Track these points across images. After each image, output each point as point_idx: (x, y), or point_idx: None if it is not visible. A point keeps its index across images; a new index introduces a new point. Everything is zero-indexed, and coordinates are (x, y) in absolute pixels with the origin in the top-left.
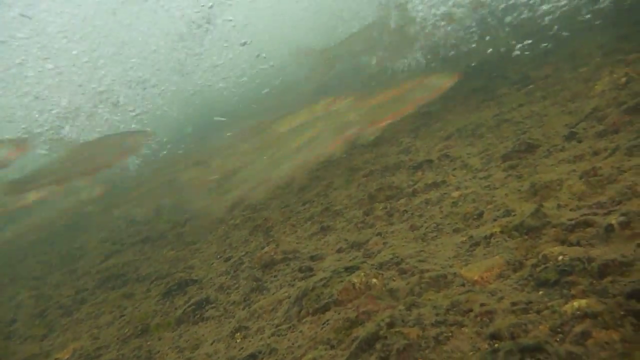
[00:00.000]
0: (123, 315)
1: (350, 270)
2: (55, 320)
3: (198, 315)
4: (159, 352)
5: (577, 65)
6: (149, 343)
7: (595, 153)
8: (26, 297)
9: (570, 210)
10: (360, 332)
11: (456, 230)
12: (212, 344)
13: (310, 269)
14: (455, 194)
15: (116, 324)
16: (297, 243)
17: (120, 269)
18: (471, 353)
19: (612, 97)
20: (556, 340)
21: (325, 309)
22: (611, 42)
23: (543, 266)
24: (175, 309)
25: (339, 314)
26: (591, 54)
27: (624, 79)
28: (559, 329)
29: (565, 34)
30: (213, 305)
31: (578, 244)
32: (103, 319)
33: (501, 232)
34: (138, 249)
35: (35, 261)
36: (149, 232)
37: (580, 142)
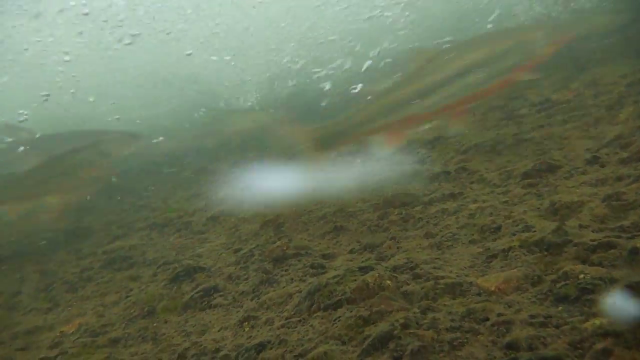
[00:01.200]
0: (129, 296)
1: (364, 270)
2: (60, 295)
3: (205, 302)
4: (164, 334)
5: (599, 92)
6: (154, 325)
7: (619, 179)
8: (31, 272)
9: (592, 231)
10: (373, 330)
11: (472, 242)
12: (219, 330)
13: (322, 267)
14: (473, 206)
15: (122, 304)
16: (308, 240)
17: (127, 251)
18: None
19: (637, 125)
20: (576, 356)
21: (337, 305)
22: (635, 72)
23: (563, 282)
24: (183, 294)
25: (351, 311)
26: (615, 82)
27: None
28: (578, 345)
29: (585, 61)
30: (221, 293)
31: (600, 264)
32: (108, 298)
33: (520, 246)
34: (145, 234)
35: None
36: (156, 218)
37: (602, 166)
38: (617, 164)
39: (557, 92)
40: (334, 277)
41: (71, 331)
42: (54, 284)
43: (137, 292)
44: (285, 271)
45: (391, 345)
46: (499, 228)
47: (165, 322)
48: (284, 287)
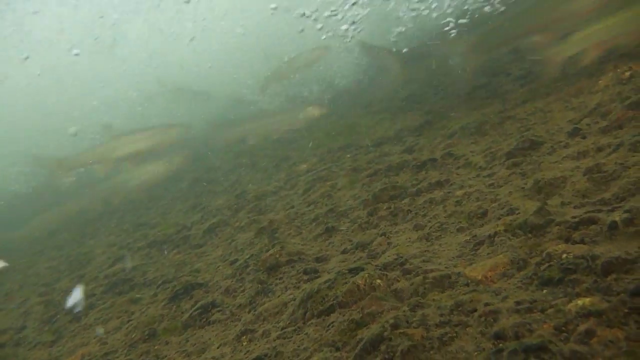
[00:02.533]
0: (130, 320)
1: (354, 271)
2: (64, 326)
3: (204, 319)
4: (166, 356)
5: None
6: (156, 347)
7: (599, 149)
8: (35, 304)
9: (574, 207)
10: (365, 333)
11: (460, 230)
12: (218, 347)
13: (316, 271)
14: (459, 192)
15: (124, 329)
16: (302, 245)
17: (127, 273)
18: (476, 353)
19: (616, 92)
20: (560, 340)
21: (330, 310)
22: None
23: (547, 264)
24: (182, 313)
25: (343, 315)
26: None
27: (627, 74)
28: (563, 328)
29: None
30: (219, 308)
31: (582, 241)
32: (111, 324)
33: (505, 230)
34: (145, 253)
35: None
36: (155, 235)
37: (584, 138)
38: (597, 134)
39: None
40: (326, 281)
41: None
42: (57, 314)
43: (138, 315)
44: (280, 279)
45: (382, 348)
46: (485, 213)
47: (166, 343)
48: (279, 296)
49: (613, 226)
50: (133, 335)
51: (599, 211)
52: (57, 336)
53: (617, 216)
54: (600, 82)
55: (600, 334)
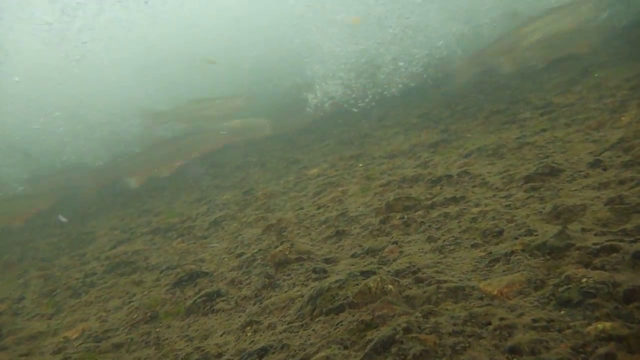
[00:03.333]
0: (132, 301)
1: (366, 274)
2: (64, 300)
3: (208, 307)
4: (167, 339)
5: (602, 96)
6: (157, 330)
7: (621, 182)
8: (34, 277)
9: (595, 235)
10: (375, 335)
11: (475, 246)
12: (221, 335)
13: (325, 271)
14: (475, 210)
15: (125, 309)
16: (311, 245)
17: (130, 256)
18: None
19: None
20: None
21: (339, 310)
22: (639, 76)
23: (565, 287)
24: (185, 299)
25: (353, 315)
26: (618, 86)
27: None
28: (581, 350)
29: (589, 65)
30: (224, 298)
31: (603, 268)
32: (112, 303)
33: (522, 250)
34: (148, 239)
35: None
36: (159, 223)
37: (605, 170)
38: (619, 168)
39: (560, 96)
40: (336, 281)
41: (74, 336)
42: (57, 289)
43: (140, 297)
44: (288, 276)
45: (393, 350)
46: (501, 232)
47: (168, 327)
48: (286, 291)
49: (637, 256)
50: (134, 316)
51: (621, 240)
52: (56, 309)
53: None
54: (623, 118)
55: (620, 358)
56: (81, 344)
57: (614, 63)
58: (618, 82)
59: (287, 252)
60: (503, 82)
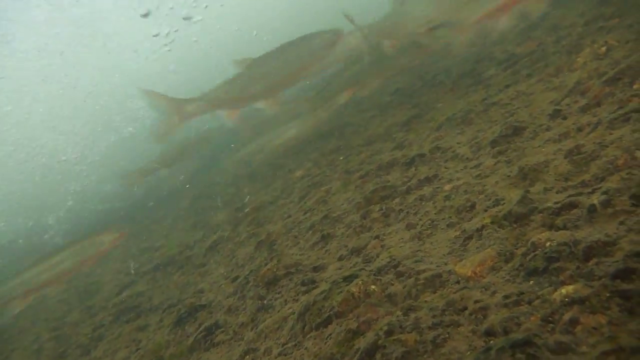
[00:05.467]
0: (138, 349)
1: (348, 279)
2: None
3: (209, 342)
4: None
5: (560, 37)
6: None
7: (579, 129)
8: (46, 340)
9: (557, 192)
10: (362, 343)
11: (450, 225)
12: None
13: (313, 281)
14: (447, 187)
15: (132, 359)
16: (299, 255)
17: (134, 300)
18: (468, 353)
19: (594, 68)
20: (547, 331)
21: (327, 322)
22: (592, 9)
23: (532, 254)
24: (187, 336)
25: (340, 326)
26: (573, 24)
27: (603, 49)
28: (549, 319)
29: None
30: (222, 329)
31: (565, 227)
32: (119, 355)
33: (492, 222)
34: (150, 277)
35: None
36: (160, 258)
37: (565, 119)
38: (577, 113)
39: (521, 45)
40: (321, 292)
41: None
42: (68, 349)
43: (145, 343)
44: (279, 293)
45: (378, 356)
46: (473, 206)
47: None
48: (278, 311)
49: (592, 209)
50: None
51: (580, 194)
52: None
53: (595, 199)
54: (578, 59)
55: (583, 321)
56: None
57: None
58: (573, 19)
59: (275, 270)
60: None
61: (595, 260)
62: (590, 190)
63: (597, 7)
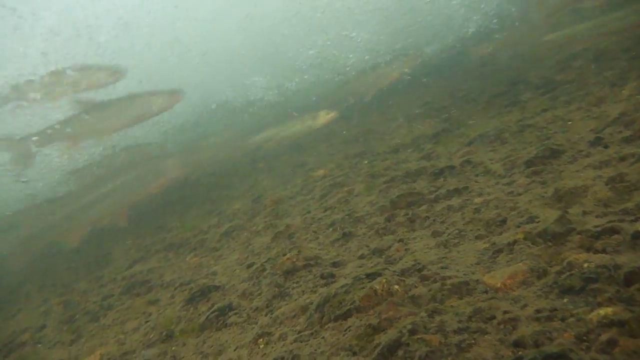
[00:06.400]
0: (148, 321)
1: (371, 276)
2: (83, 326)
3: (221, 322)
4: (183, 357)
5: (602, 69)
6: (173, 349)
7: (622, 159)
8: (55, 304)
9: (596, 217)
10: (383, 338)
11: (479, 237)
12: (235, 350)
13: (332, 276)
14: (478, 200)
15: (142, 330)
16: (319, 249)
17: (145, 275)
18: None
19: None
20: (582, 349)
21: (347, 315)
22: (638, 45)
23: (568, 273)
24: (199, 315)
25: (360, 320)
26: (617, 57)
27: None
28: (584, 337)
29: (589, 36)
30: (236, 311)
31: (604, 251)
32: (129, 325)
33: (524, 238)
34: (162, 256)
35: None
36: (173, 239)
37: (606, 147)
38: (620, 144)
39: (560, 72)
40: (343, 286)
41: None
42: (76, 314)
43: (156, 317)
44: (297, 283)
45: (400, 353)
46: (504, 221)
47: (184, 344)
48: (296, 300)
49: (636, 236)
50: (151, 336)
51: (622, 221)
52: (76, 335)
53: None
54: (623, 91)
55: (623, 344)
56: None
57: (613, 33)
58: (617, 54)
59: (294, 260)
60: (504, 63)
61: (637, 286)
62: (632, 218)
63: None
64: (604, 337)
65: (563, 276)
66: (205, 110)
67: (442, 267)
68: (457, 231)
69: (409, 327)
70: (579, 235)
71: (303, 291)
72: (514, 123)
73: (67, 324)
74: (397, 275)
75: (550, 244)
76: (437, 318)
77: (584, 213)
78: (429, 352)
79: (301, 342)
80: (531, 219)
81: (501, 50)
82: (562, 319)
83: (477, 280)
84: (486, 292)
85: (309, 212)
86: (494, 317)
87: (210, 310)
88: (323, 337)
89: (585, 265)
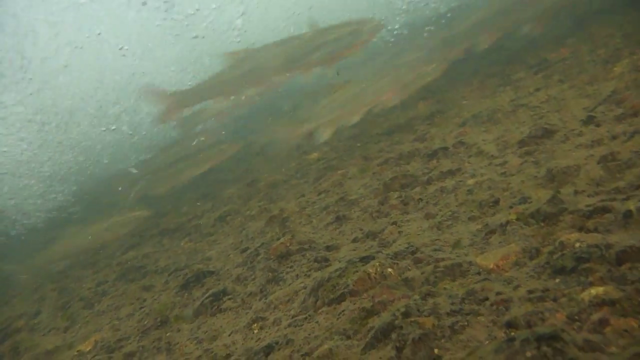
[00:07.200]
0: (143, 307)
1: (365, 260)
2: (78, 312)
3: (215, 307)
4: (178, 343)
5: (595, 47)
6: (168, 334)
7: (614, 137)
8: (49, 290)
9: (588, 196)
10: (376, 322)
11: (472, 218)
12: (229, 335)
13: (326, 259)
14: (471, 181)
15: (136, 316)
16: (312, 233)
17: (140, 261)
18: (487, 342)
19: (632, 79)
20: (573, 329)
21: (340, 299)
22: (631, 23)
23: (560, 253)
24: (194, 300)
25: (354, 304)
26: (611, 35)
27: None
28: (576, 317)
29: (584, 15)
30: (230, 296)
31: (596, 230)
32: (123, 310)
33: (517, 219)
34: (156, 241)
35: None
36: (167, 224)
37: (598, 126)
38: (612, 122)
39: (554, 51)
40: (337, 270)
41: (88, 349)
42: (71, 301)
43: (151, 302)
44: (291, 268)
45: (393, 336)
46: (497, 202)
47: (178, 330)
48: (289, 284)
49: (627, 215)
50: (146, 322)
51: (613, 200)
52: (70, 322)
53: (631, 205)
54: (615, 69)
55: (614, 323)
56: (94, 356)
57: (607, 11)
58: (611, 31)
59: (288, 244)
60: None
61: (628, 264)
62: (624, 196)
63: (637, 23)
64: (596, 316)
65: (555, 256)
66: None
67: (435, 250)
68: (450, 213)
69: (403, 310)
70: (571, 215)
71: (297, 275)
72: (507, 103)
73: (62, 310)
74: (391, 258)
75: (542, 224)
76: (431, 300)
77: (576, 192)
78: (422, 334)
79: (295, 326)
80: (524, 200)
81: None
82: (554, 299)
83: (470, 262)
84: (479, 273)
85: (303, 195)
86: (486, 299)
87: (205, 296)
88: (317, 322)
89: (577, 245)
